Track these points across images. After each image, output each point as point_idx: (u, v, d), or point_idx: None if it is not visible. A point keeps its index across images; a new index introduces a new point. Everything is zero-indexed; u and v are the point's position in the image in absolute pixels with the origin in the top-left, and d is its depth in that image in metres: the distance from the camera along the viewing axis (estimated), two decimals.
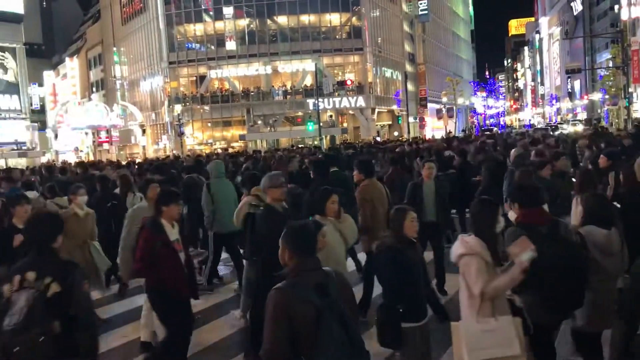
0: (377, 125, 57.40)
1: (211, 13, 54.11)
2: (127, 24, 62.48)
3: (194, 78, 55.74)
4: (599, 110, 73.95)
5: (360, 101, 53.72)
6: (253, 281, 6.12)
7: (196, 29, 55.56)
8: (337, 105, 53.79)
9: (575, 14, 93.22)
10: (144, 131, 57.14)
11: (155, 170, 12.29)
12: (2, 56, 55.27)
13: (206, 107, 53.33)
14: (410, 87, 63.33)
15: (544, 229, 4.13)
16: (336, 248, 4.72)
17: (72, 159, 52.72)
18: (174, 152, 44.68)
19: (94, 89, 72.21)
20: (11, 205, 6.14)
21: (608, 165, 7.09)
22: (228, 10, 53.13)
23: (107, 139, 58.64)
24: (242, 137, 51.73)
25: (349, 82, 53.96)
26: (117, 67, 60.67)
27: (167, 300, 5.16)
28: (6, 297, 3.36)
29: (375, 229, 6.52)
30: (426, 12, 68.04)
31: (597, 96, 71.94)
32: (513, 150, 10.95)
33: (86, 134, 61.78)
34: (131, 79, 61.65)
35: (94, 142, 62.73)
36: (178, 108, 48.75)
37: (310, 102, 50.11)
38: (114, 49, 62.11)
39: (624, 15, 61.86)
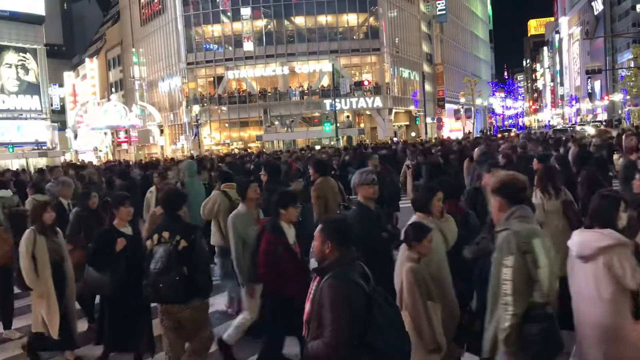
0: (394, 125, 57.19)
1: (229, 14, 54.35)
2: (146, 25, 62.98)
3: (212, 79, 56.02)
4: (619, 111, 72.96)
5: (378, 102, 53.57)
6: (232, 273, 6.25)
7: (214, 29, 55.85)
8: (354, 106, 53.70)
9: (595, 13, 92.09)
10: (162, 131, 57.58)
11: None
12: (24, 57, 55.99)
13: (223, 108, 53.56)
14: (427, 87, 63.04)
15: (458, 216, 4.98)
16: (439, 249, 4.45)
17: (91, 158, 53.26)
18: (192, 152, 44.96)
19: (113, 90, 72.84)
20: (115, 206, 5.78)
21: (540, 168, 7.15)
22: (246, 11, 53.33)
23: (126, 139, 59.14)
24: (259, 138, 51.86)
25: (366, 83, 53.86)
26: (136, 68, 61.08)
27: (285, 306, 4.92)
28: (149, 249, 4.81)
29: None
30: (444, 12, 67.64)
31: (617, 97, 70.98)
32: (476, 149, 11.27)
33: (105, 134, 62.31)
34: (150, 80, 62.10)
35: (113, 142, 63.28)
36: (196, 109, 49.00)
37: (327, 102, 50.10)
38: (133, 49, 62.58)
39: None
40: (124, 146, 60.66)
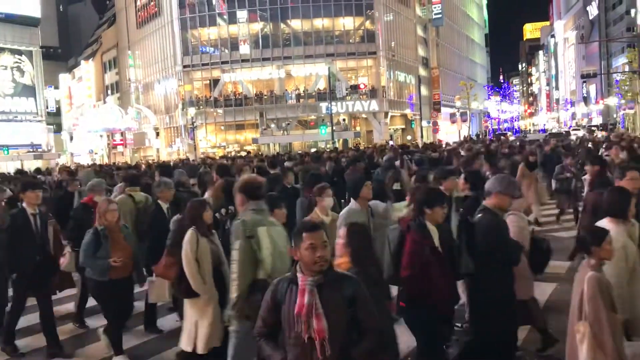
0: (390, 129, 57.26)
1: (225, 17, 54.38)
2: (142, 28, 62.94)
3: (208, 81, 55.99)
4: (614, 115, 73.26)
5: (374, 105, 53.65)
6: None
7: (210, 32, 55.85)
8: (350, 109, 53.77)
9: (590, 18, 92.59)
10: (157, 134, 57.50)
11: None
12: (19, 59, 55.94)
13: (219, 111, 53.55)
14: (423, 91, 63.17)
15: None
16: (630, 254, 4.28)
17: (86, 161, 53.18)
18: (187, 154, 44.91)
19: (109, 92, 72.76)
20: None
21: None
22: (242, 14, 53.36)
23: (122, 142, 59.06)
24: (255, 141, 51.86)
25: (362, 86, 53.96)
26: (132, 70, 61.06)
27: (428, 315, 4.50)
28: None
29: None
30: (440, 16, 67.81)
31: (612, 101, 71.30)
32: (385, 156, 11.88)
33: (101, 136, 62.24)
34: (145, 82, 62.03)
35: (108, 144, 63.20)
36: (192, 111, 49.02)
37: (324, 105, 50.16)
38: (129, 52, 62.53)
39: None
40: (120, 149, 60.60)
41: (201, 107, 53.87)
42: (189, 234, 5.23)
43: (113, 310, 5.97)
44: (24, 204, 6.41)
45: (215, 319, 5.14)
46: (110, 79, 73.89)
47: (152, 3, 60.36)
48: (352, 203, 5.81)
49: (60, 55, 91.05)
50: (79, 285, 7.15)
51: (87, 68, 72.70)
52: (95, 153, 63.50)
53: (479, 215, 4.86)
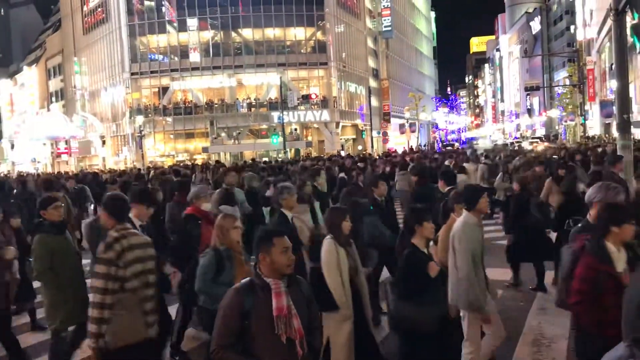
0: (341, 139, 57.66)
1: (175, 24, 53.71)
2: (89, 34, 61.47)
3: (157, 89, 55.06)
4: (557, 127, 75.97)
5: (325, 115, 53.93)
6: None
7: (159, 40, 55.02)
8: (301, 119, 53.88)
9: (534, 33, 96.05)
10: (104, 142, 56.14)
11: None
12: None
13: (168, 119, 52.74)
14: (374, 101, 63.94)
15: None
16: None
17: (29, 170, 51.33)
18: (135, 164, 43.98)
19: (54, 99, 70.71)
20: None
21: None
22: (192, 22, 52.82)
23: (66, 150, 57.36)
24: (205, 150, 51.24)
25: (313, 96, 54.19)
26: (78, 77, 59.59)
27: (599, 348, 3.53)
28: None
29: None
30: (390, 28, 68.94)
31: (555, 113, 73.95)
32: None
33: (44, 144, 60.31)
34: (92, 90, 60.57)
35: (52, 153, 61.32)
36: (140, 119, 48.09)
37: (275, 115, 50.08)
38: (75, 58, 61.00)
39: (580, 36, 64.09)
40: (64, 157, 58.83)
41: (149, 115, 52.93)
42: (328, 243, 4.91)
43: None
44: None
45: (350, 339, 4.79)
46: (54, 85, 71.83)
47: (99, 9, 59.06)
48: (466, 215, 5.11)
49: (1, 60, 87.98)
50: (178, 311, 6.35)
51: (30, 74, 70.55)
52: (38, 162, 61.45)
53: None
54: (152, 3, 53.88)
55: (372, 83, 66.64)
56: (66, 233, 5.79)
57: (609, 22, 11.51)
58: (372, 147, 57.09)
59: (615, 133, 15.07)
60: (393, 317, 4.81)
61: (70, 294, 5.51)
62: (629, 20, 9.03)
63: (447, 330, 4.72)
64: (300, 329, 3.17)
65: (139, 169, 29.11)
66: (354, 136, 62.86)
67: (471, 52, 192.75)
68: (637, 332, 2.16)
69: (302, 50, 55.70)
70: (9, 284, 6.12)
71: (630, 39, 9.25)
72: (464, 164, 14.75)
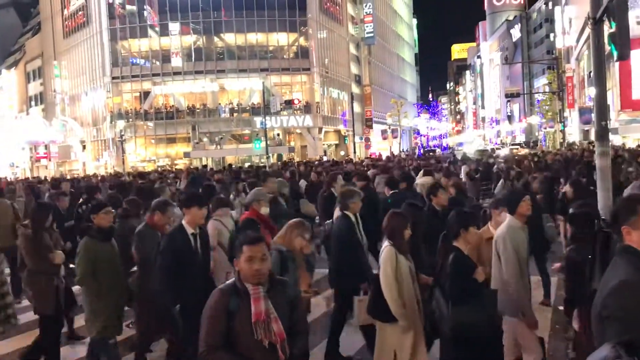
0: (324, 144, 57.74)
1: (157, 29, 53.42)
2: (69, 37, 60.87)
3: (138, 94, 54.67)
4: (536, 133, 76.84)
5: (308, 120, 53.97)
6: None
7: (141, 44, 54.68)
8: (284, 124, 53.86)
9: (514, 40, 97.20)
10: (84, 147, 55.54)
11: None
12: None
13: (150, 124, 52.36)
14: (356, 107, 64.16)
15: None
16: None
17: (7, 174, 50.58)
18: (115, 168, 43.60)
19: (33, 103, 69.83)
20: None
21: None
22: (174, 27, 52.58)
23: (45, 155, 56.62)
24: (187, 155, 50.97)
25: (296, 101, 54.19)
26: (58, 81, 58.96)
27: None
28: None
29: None
30: (372, 35, 69.34)
31: (534, 119, 74.77)
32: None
33: (23, 149, 59.51)
34: (72, 94, 59.96)
35: (31, 157, 60.54)
36: (121, 124, 47.66)
37: (258, 120, 49.98)
38: (55, 62, 60.36)
39: (559, 44, 64.98)
40: (44, 162, 58.06)
41: (130, 119, 52.53)
42: (388, 250, 4.61)
43: None
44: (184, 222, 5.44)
45: (419, 349, 4.52)
46: (34, 89, 70.98)
47: (80, 13, 58.55)
48: (510, 219, 5.00)
49: None
50: None
51: (9, 77, 69.67)
52: (17, 167, 60.56)
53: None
54: (134, 7, 53.56)
55: (355, 89, 66.89)
56: (112, 241, 5.72)
57: (588, 30, 11.67)
58: (355, 152, 57.22)
59: (593, 139, 15.40)
60: (447, 323, 4.47)
61: (111, 303, 5.48)
62: (607, 29, 9.17)
63: (498, 334, 4.56)
64: (282, 332, 3.14)
65: (121, 175, 28.84)
66: (337, 142, 62.99)
67: (452, 59, 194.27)
68: (600, 336, 2.36)
69: (284, 56, 55.74)
70: (58, 287, 6.02)
71: (607, 47, 9.39)
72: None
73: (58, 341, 6.07)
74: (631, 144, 33.84)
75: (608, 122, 9.87)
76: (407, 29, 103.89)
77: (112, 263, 5.59)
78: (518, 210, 4.97)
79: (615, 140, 33.58)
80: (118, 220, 6.62)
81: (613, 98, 40.68)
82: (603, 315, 2.39)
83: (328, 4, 60.24)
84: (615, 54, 8.91)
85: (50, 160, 56.69)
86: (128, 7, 53.76)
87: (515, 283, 4.70)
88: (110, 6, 53.68)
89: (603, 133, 9.36)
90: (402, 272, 4.55)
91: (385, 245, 4.66)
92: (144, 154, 54.68)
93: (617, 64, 36.54)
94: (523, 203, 4.99)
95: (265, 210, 6.29)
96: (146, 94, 53.81)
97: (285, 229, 4.89)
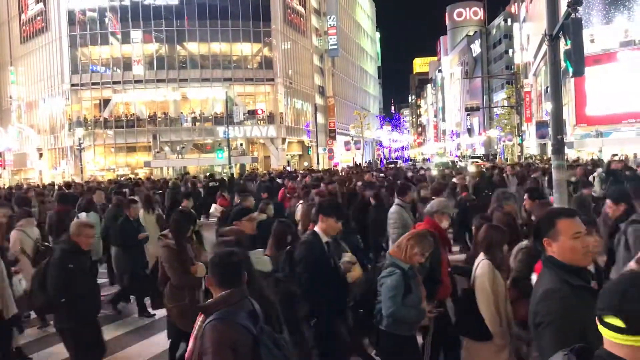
0: (287, 155, 57.70)
1: (118, 36, 52.67)
2: (27, 43, 59.42)
3: (98, 101, 53.69)
4: (495, 146, 78.43)
5: (271, 131, 53.90)
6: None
7: (102, 51, 53.78)
8: (247, 134, 53.65)
9: (474, 55, 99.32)
10: (41, 155, 54.09)
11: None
12: None
13: (109, 132, 51.46)
14: (320, 118, 64.41)
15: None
16: None
17: None
18: (73, 177, 42.61)
19: None
20: None
21: None
22: (136, 35, 51.94)
23: (0, 163, 54.95)
24: (147, 164, 50.22)
25: (259, 112, 54.08)
26: (14, 87, 57.42)
27: None
28: None
29: None
30: (336, 47, 69.88)
31: (494, 133, 76.36)
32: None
33: None
34: (29, 101, 58.47)
35: None
36: (79, 132, 46.66)
37: (220, 129, 49.66)
38: (11, 67, 58.83)
39: (517, 59, 66.75)
40: None
41: (90, 127, 51.52)
42: (485, 265, 4.29)
43: None
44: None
45: None
46: None
47: (39, 18, 57.26)
48: None
49: None
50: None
51: None
52: None
53: None
54: (95, 14, 52.72)
55: (318, 100, 67.18)
56: None
57: (544, 47, 12.04)
58: (318, 163, 57.35)
59: (549, 153, 15.68)
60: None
61: None
62: (563, 46, 9.47)
63: None
64: None
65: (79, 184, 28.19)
66: (300, 152, 63.04)
67: (414, 73, 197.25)
68: (537, 342, 2.62)
69: (248, 66, 55.62)
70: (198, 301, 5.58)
71: (563, 64, 9.68)
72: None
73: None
74: (586, 157, 34.80)
75: (564, 136, 10.15)
76: (370, 42, 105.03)
77: None
78: None
79: (570, 154, 34.51)
80: None
81: (569, 113, 41.84)
82: (536, 322, 2.57)
83: (292, 15, 60.49)
84: (570, 70, 9.20)
85: (4, 168, 54.97)
86: (89, 13, 52.89)
87: None
88: (71, 12, 52.72)
89: (559, 147, 9.62)
90: (498, 288, 4.27)
91: (482, 259, 4.38)
92: (103, 163, 53.64)
93: (572, 80, 37.61)
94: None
95: (445, 224, 5.67)
96: (106, 101, 52.90)
97: (405, 242, 4.45)
